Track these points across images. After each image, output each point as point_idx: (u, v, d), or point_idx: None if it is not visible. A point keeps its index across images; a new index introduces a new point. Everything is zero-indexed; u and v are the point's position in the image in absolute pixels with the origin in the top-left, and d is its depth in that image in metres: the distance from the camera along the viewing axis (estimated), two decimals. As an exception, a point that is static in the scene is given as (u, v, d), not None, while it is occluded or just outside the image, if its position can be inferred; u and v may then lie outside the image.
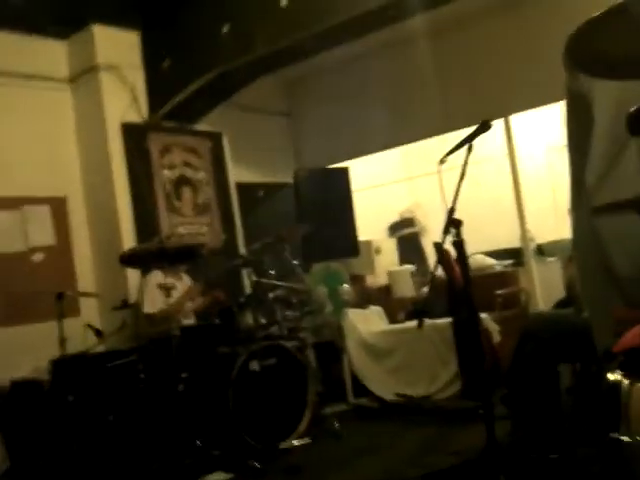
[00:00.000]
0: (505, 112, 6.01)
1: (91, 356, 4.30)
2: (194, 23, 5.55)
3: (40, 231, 5.40)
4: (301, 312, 4.53)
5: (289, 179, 7.26)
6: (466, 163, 2.88)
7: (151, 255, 4.16)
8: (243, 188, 6.66)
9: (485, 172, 6.97)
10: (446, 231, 2.87)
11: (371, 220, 7.41)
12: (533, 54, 5.69)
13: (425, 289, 5.90)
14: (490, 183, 7.15)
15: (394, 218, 8.15)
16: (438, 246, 4.94)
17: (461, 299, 4.62)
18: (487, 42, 6.00)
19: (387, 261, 6.85)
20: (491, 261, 6.01)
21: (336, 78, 6.98)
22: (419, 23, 5.43)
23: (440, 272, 6.21)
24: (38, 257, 5.35)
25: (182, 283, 4.89)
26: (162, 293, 4.09)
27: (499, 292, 5.22)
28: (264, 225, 6.62)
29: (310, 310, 4.57)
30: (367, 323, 5.21)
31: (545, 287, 5.73)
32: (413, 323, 5.02)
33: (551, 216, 7.16)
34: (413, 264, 7.05)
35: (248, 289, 5.20)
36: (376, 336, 5.06)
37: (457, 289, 4.63)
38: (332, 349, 4.97)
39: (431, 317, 5.47)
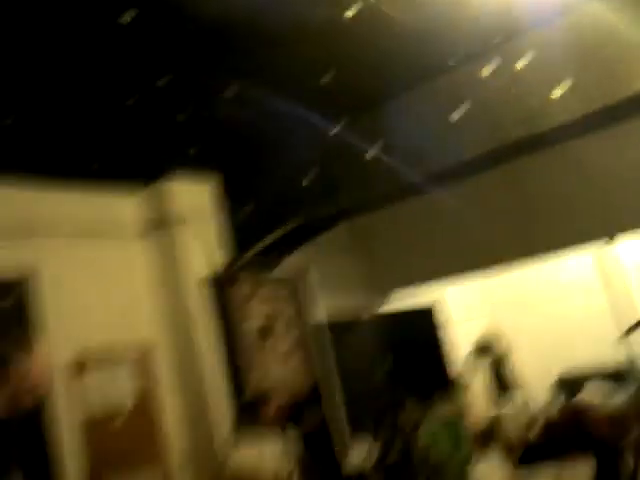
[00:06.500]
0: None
1: None
2: (275, 170, 5.50)
3: (125, 390, 5.16)
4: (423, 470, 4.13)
5: (371, 308, 7.04)
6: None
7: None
8: (321, 326, 6.40)
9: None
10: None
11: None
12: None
13: (536, 427, 5.46)
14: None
15: (474, 343, 7.81)
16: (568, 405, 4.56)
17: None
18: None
19: (480, 395, 6.46)
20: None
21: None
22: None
23: (554, 410, 5.88)
24: (124, 418, 5.07)
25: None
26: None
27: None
28: (346, 363, 6.34)
29: (435, 463, 4.18)
30: (491, 473, 4.75)
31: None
32: (545, 472, 4.55)
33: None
34: (506, 395, 6.67)
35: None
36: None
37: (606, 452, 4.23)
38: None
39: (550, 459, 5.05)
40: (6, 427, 2.46)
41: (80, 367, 4.89)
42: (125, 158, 5.06)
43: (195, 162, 5.43)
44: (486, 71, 4.24)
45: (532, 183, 6.22)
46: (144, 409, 5.17)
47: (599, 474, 4.25)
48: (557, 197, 6.09)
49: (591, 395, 5.55)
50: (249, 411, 4.92)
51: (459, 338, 7.08)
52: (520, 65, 4.10)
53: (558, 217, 6.06)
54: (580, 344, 7.23)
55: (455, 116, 4.35)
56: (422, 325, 6.31)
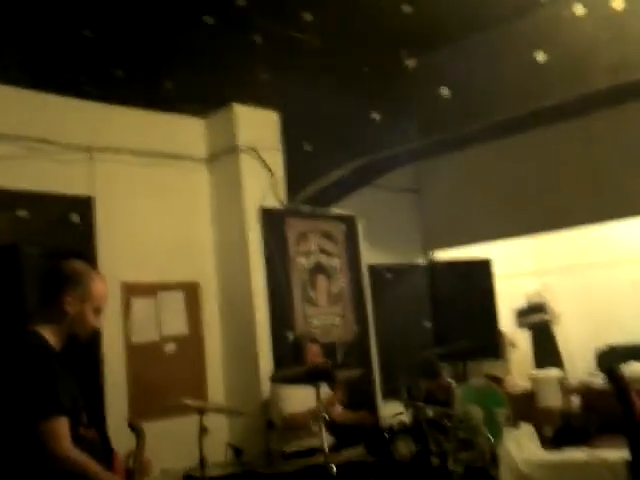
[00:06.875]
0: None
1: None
2: (338, 107, 5.31)
3: (174, 319, 5.22)
4: (455, 439, 4.11)
5: (417, 260, 6.98)
6: None
7: (299, 378, 3.90)
8: (371, 271, 6.35)
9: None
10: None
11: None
12: None
13: (575, 399, 5.39)
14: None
15: (521, 303, 7.65)
16: (611, 373, 4.51)
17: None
18: None
19: (521, 357, 6.39)
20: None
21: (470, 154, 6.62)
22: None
23: (596, 383, 5.80)
24: (171, 347, 5.16)
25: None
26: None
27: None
28: (393, 310, 6.30)
29: (465, 437, 4.16)
30: (519, 447, 4.74)
31: None
32: (576, 454, 4.52)
33: None
34: (548, 360, 6.57)
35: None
36: (532, 466, 4.59)
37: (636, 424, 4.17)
38: (483, 477, 4.53)
39: (586, 438, 5.02)
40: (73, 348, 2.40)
41: (131, 292, 4.94)
42: (196, 81, 4.94)
43: (263, 93, 5.28)
44: (579, 10, 3.88)
45: (609, 140, 5.89)
46: (191, 340, 5.24)
47: (634, 457, 4.17)
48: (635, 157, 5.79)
49: (633, 371, 5.44)
50: (295, 349, 4.93)
51: (503, 294, 6.89)
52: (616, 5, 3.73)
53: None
54: (632, 315, 6.95)
55: (537, 59, 4.06)
56: (475, 279, 6.15)
